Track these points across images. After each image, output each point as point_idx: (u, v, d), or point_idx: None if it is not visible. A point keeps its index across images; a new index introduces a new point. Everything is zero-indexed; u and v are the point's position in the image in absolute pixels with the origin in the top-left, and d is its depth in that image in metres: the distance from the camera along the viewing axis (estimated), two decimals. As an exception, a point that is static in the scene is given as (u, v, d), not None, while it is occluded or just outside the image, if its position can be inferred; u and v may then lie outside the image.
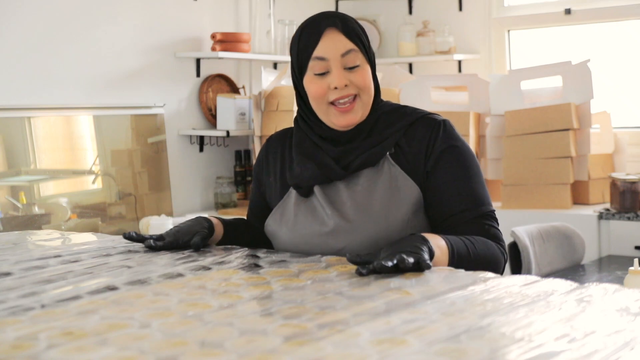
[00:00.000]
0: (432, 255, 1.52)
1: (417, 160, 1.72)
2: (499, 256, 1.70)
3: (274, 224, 1.80)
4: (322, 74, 1.70)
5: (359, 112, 1.72)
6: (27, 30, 3.55)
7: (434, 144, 1.73)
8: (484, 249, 1.67)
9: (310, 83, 1.72)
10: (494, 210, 1.76)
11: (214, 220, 1.84)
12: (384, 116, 1.77)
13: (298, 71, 1.75)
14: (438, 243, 1.57)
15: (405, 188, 1.70)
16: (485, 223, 1.72)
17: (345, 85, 1.69)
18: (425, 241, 1.52)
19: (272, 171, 1.86)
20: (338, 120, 1.72)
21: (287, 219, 1.77)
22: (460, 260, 1.60)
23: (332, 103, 1.71)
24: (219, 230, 1.83)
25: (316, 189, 1.74)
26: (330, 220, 1.70)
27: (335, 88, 1.69)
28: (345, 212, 1.70)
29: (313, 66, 1.71)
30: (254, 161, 3.79)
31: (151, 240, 1.75)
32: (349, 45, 1.70)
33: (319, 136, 1.77)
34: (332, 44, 1.69)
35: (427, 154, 1.73)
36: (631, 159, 4.12)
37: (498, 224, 1.75)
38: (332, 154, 1.74)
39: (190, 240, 1.75)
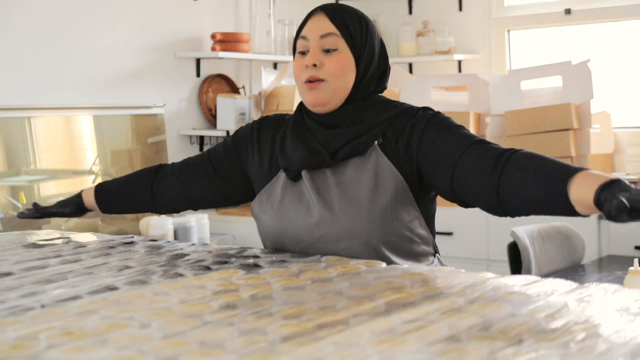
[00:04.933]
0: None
1: (401, 150, 1.72)
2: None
3: (259, 206, 1.81)
4: (303, 53, 1.76)
5: (324, 93, 1.73)
6: (27, 30, 3.55)
7: (412, 126, 1.71)
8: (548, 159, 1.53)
9: (294, 61, 1.79)
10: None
11: (86, 194, 2.07)
12: (372, 107, 1.77)
13: (293, 52, 1.82)
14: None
15: (390, 178, 1.70)
16: (488, 144, 1.61)
17: (314, 65, 1.72)
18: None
19: (262, 150, 1.86)
20: (308, 96, 1.75)
21: (273, 201, 1.78)
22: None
23: (307, 82, 1.74)
24: (88, 200, 2.07)
25: (304, 174, 1.75)
26: (315, 207, 1.71)
27: (307, 67, 1.73)
28: (331, 201, 1.71)
29: (298, 45, 1.78)
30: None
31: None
32: (330, 28, 1.74)
33: (311, 119, 1.79)
34: (314, 25, 1.75)
35: (410, 140, 1.70)
36: (631, 159, 4.12)
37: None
38: (320, 136, 1.75)
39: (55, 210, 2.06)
